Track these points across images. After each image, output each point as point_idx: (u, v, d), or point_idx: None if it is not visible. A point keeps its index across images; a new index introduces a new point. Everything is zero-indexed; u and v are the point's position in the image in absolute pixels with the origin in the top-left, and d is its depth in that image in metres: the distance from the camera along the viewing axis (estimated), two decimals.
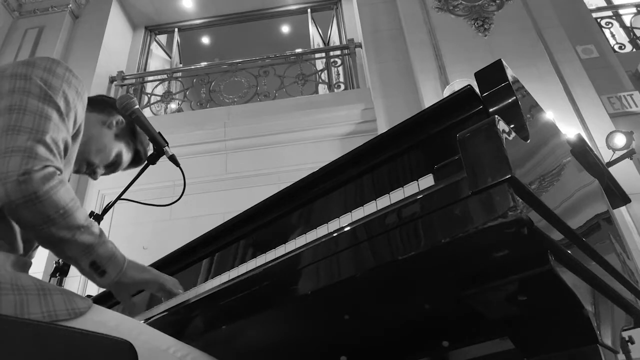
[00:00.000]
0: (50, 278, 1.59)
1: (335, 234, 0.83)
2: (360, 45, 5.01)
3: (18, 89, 0.90)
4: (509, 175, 0.62)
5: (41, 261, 3.44)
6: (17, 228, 0.92)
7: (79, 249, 0.87)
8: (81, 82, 1.03)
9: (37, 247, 1.00)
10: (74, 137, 1.01)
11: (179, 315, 1.06)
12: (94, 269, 0.89)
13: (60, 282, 1.58)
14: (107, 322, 0.82)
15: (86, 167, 1.20)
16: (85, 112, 1.05)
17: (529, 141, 0.77)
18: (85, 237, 0.86)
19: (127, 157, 1.27)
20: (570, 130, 3.07)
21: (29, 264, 0.95)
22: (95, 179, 1.24)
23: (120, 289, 0.96)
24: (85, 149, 1.15)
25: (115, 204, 1.49)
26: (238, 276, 1.01)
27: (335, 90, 4.90)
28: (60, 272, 1.60)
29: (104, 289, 1.52)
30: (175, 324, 1.05)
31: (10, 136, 0.83)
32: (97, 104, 1.19)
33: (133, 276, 0.96)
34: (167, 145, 1.34)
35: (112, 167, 1.25)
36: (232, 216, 1.28)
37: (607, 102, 3.99)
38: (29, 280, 0.80)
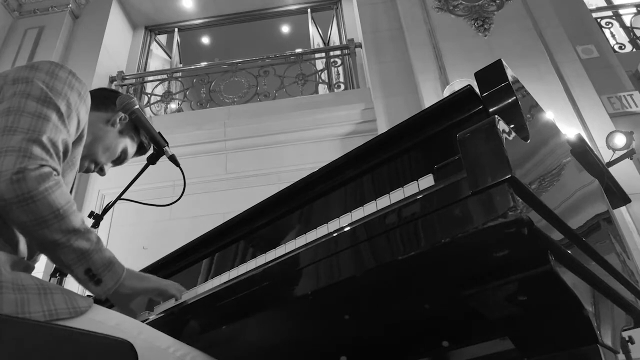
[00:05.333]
0: (50, 278, 1.59)
1: (335, 234, 0.83)
2: (360, 45, 5.00)
3: (19, 92, 0.89)
4: (509, 175, 0.62)
5: (41, 261, 3.43)
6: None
7: (74, 255, 0.84)
8: (84, 86, 1.02)
9: (39, 254, 0.99)
10: (77, 140, 1.00)
11: (179, 315, 1.06)
12: (89, 277, 0.87)
13: (60, 282, 1.58)
14: (108, 321, 0.82)
15: (94, 166, 1.20)
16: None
17: (529, 141, 0.77)
18: (80, 243, 0.84)
19: (132, 150, 1.28)
20: (570, 130, 3.07)
21: (31, 268, 0.95)
22: (103, 175, 1.24)
23: (119, 298, 0.94)
24: (92, 149, 1.15)
25: (115, 204, 1.49)
26: (238, 276, 1.00)
27: (335, 90, 4.90)
28: (60, 272, 1.60)
29: None
30: (175, 324, 1.05)
31: (6, 136, 0.81)
32: (100, 101, 1.16)
33: (133, 286, 0.94)
34: (167, 145, 1.34)
35: (118, 161, 1.26)
36: (232, 216, 1.28)
37: (607, 102, 3.99)
38: (30, 280, 0.80)
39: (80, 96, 0.99)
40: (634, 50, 4.80)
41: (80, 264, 0.86)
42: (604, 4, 5.44)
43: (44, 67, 0.96)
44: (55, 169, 0.84)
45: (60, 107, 0.91)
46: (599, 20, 4.95)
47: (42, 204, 0.79)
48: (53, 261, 0.87)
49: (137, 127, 1.26)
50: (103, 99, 1.18)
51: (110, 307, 1.11)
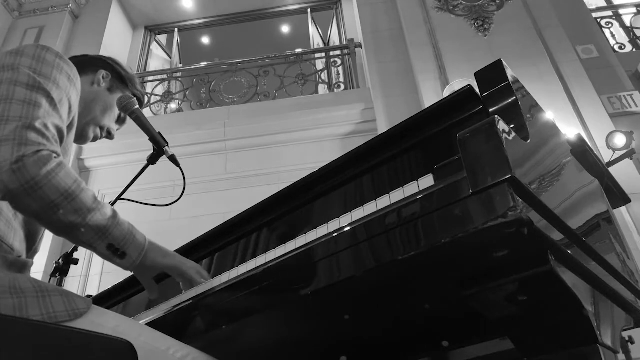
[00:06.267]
0: (50, 278, 1.59)
1: (335, 234, 0.83)
2: (360, 45, 5.01)
3: (5, 80, 0.86)
4: (509, 175, 0.62)
5: (41, 261, 3.43)
6: (17, 227, 0.90)
7: (93, 233, 0.83)
8: (73, 68, 0.99)
9: (38, 244, 0.99)
10: (69, 127, 0.97)
11: (178, 315, 1.06)
12: (113, 252, 0.86)
13: (60, 282, 1.58)
14: (107, 323, 0.82)
15: (100, 131, 1.18)
16: None
17: (529, 141, 0.77)
18: (96, 220, 0.83)
19: None
20: (570, 130, 3.07)
21: (29, 265, 0.94)
22: (112, 138, 1.22)
23: (143, 272, 0.94)
24: (91, 114, 1.14)
25: (115, 204, 1.49)
26: (238, 276, 1.00)
27: (335, 90, 4.90)
28: (60, 272, 1.60)
29: (102, 291, 1.51)
30: (174, 324, 1.05)
31: None
32: (78, 67, 1.09)
33: (155, 259, 0.93)
34: (167, 145, 1.34)
35: (120, 119, 1.24)
36: (232, 216, 1.28)
37: (607, 102, 3.99)
38: (27, 283, 0.79)
39: (70, 79, 0.96)
40: (634, 50, 4.80)
41: (101, 240, 0.85)
42: (604, 4, 5.45)
43: (30, 52, 0.93)
44: (54, 152, 0.82)
45: (51, 92, 0.89)
46: (599, 20, 4.95)
47: (48, 188, 0.78)
48: (74, 242, 0.86)
49: (123, 79, 1.23)
50: (78, 64, 1.13)
51: (109, 307, 1.11)
